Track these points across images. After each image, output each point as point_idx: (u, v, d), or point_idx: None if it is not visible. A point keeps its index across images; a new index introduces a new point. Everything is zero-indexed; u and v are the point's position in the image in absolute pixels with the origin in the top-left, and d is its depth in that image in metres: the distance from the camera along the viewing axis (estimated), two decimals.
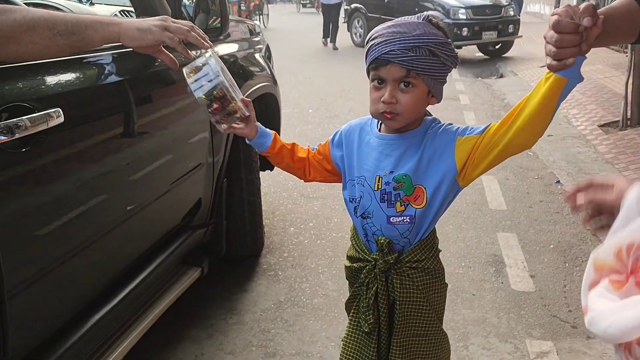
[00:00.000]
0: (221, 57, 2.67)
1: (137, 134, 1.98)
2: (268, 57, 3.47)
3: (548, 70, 1.16)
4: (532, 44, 11.38)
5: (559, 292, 2.81)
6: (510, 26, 10.47)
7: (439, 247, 1.48)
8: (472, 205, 3.85)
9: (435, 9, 10.52)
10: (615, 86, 6.77)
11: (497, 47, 10.81)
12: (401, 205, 1.37)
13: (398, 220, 1.37)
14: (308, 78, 8.76)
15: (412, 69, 1.28)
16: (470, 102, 7.09)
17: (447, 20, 9.74)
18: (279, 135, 3.37)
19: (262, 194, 3.06)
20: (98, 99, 1.79)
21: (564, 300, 2.74)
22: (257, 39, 3.38)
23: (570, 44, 1.06)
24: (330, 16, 12.71)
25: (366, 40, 1.36)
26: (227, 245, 2.74)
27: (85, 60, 1.82)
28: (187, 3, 2.28)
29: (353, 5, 12.82)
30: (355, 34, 12.80)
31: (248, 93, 2.78)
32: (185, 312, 2.61)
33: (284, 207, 3.87)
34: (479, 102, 7.09)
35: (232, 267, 3.00)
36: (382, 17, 11.76)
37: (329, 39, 12.82)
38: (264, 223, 3.15)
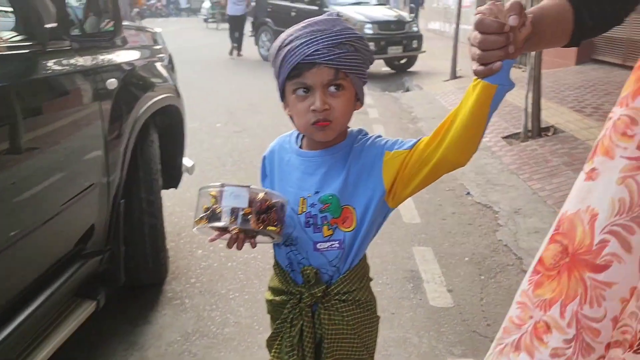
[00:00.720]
0: (118, 65, 2.44)
1: (24, 150, 1.72)
2: (171, 67, 3.25)
3: (475, 77, 1.04)
4: (435, 59, 11.73)
5: (477, 306, 2.76)
6: (414, 41, 10.74)
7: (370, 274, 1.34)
8: (387, 219, 3.78)
9: None
10: (514, 100, 7.04)
11: (402, 61, 11.05)
12: (329, 229, 1.21)
13: (326, 247, 1.22)
14: (216, 92, 8.51)
15: (341, 68, 1.14)
16: (379, 115, 7.13)
17: None
18: (183, 149, 3.16)
19: (165, 214, 2.82)
20: None
21: (482, 314, 2.69)
22: (158, 47, 3.15)
23: (496, 46, 0.94)
24: (236, 26, 13.30)
25: (277, 48, 1.19)
26: (126, 274, 2.47)
27: None
28: (76, 4, 2.03)
29: (260, 19, 12.71)
30: (263, 47, 12.67)
31: (149, 105, 2.55)
32: (81, 348, 2.32)
33: (191, 227, 3.62)
34: (388, 116, 7.15)
35: (134, 297, 2.73)
36: None
37: (235, 48, 13.39)
38: (168, 247, 2.90)
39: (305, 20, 1.21)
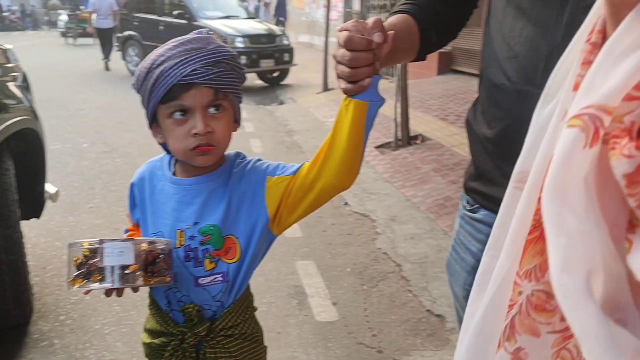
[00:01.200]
0: None
1: None
2: (26, 87, 2.98)
3: (345, 97, 1.04)
4: (307, 71, 11.94)
5: (361, 317, 2.80)
6: (286, 54, 10.85)
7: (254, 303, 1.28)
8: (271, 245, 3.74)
9: None
10: (384, 110, 7.28)
11: (275, 75, 11.11)
12: (211, 262, 1.14)
13: (208, 281, 1.14)
14: (81, 110, 8.00)
15: (221, 88, 1.08)
16: (255, 129, 7.09)
17: None
18: (44, 175, 2.91)
19: (28, 246, 2.58)
20: None
21: (366, 324, 2.73)
22: (10, 65, 2.88)
23: (365, 63, 0.95)
24: (105, 39, 12.98)
25: (146, 70, 1.10)
26: None
27: None
28: None
29: (126, 33, 12.19)
30: (131, 62, 12.16)
31: (1, 129, 2.32)
32: None
33: (58, 259, 3.34)
34: (264, 129, 7.13)
35: None
36: (159, 44, 11.36)
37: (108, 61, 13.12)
38: (32, 282, 2.65)
39: (175, 39, 1.14)
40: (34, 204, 2.87)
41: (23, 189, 2.61)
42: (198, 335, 1.15)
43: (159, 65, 1.08)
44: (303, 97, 9.31)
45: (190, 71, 1.06)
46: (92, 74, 12.25)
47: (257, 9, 17.46)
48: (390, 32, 0.96)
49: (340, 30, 0.96)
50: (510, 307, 0.64)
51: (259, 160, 1.21)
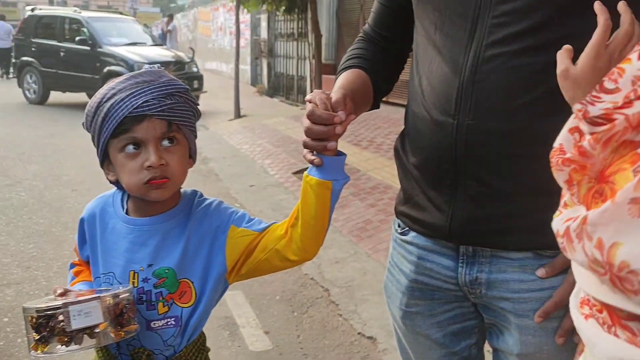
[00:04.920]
0: None
1: None
2: None
3: (306, 174, 1.06)
4: (217, 98, 11.88)
5: (295, 344, 2.81)
6: (195, 82, 10.75)
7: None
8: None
9: (117, 64, 10.21)
10: (298, 136, 7.42)
11: None
12: (164, 306, 1.11)
13: (161, 325, 1.11)
14: None
15: (174, 120, 1.08)
16: None
17: None
18: None
19: None
20: None
21: (300, 351, 2.74)
22: None
23: (324, 136, 0.99)
24: (4, 58, 14.81)
25: (96, 105, 1.08)
26: None
27: None
28: None
29: (24, 59, 11.58)
30: (29, 90, 11.54)
31: None
32: None
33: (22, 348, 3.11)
34: None
35: None
36: (60, 71, 10.95)
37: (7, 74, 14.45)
38: None
39: (126, 74, 1.13)
40: None
41: None
42: None
43: (110, 98, 1.07)
44: (215, 124, 9.24)
45: (142, 102, 1.05)
46: None
47: (161, 35, 17.20)
48: (351, 115, 1.01)
49: (307, 100, 1.00)
50: None
51: (222, 202, 1.20)
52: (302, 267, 3.69)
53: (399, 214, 1.18)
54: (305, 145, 1.02)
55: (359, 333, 2.89)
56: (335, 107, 0.99)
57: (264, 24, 13.60)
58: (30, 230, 4.30)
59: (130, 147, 1.07)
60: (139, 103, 1.05)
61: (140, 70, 1.13)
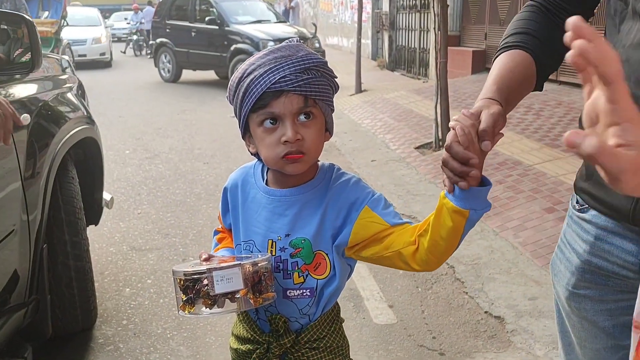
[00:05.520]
0: (26, 100, 2.25)
1: None
2: (82, 95, 3.05)
3: (443, 194, 1.00)
4: (338, 73, 11.78)
5: (419, 320, 2.78)
6: None
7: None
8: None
9: (243, 42, 10.55)
10: (420, 110, 7.29)
11: None
12: (299, 276, 1.13)
13: (296, 294, 1.14)
14: (120, 117, 8.14)
15: (310, 95, 1.07)
16: None
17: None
18: (102, 182, 2.96)
19: None
20: None
21: (425, 327, 2.72)
22: (65, 76, 2.94)
23: (456, 172, 0.91)
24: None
25: (237, 80, 1.11)
26: (53, 323, 2.27)
27: None
28: None
29: (159, 40, 12.35)
30: (164, 69, 12.32)
31: (66, 139, 2.37)
32: None
33: (114, 265, 3.41)
34: None
35: (61, 346, 2.50)
36: (191, 51, 11.54)
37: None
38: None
39: (266, 49, 1.14)
40: (93, 211, 2.92)
41: (84, 197, 2.66)
42: (283, 346, 1.15)
43: (249, 74, 1.09)
44: (336, 99, 9.19)
45: (279, 78, 1.06)
46: (128, 83, 12.44)
47: (285, 12, 17.56)
48: (498, 136, 0.93)
49: (451, 126, 0.93)
50: None
51: (360, 180, 1.18)
52: None
53: (578, 190, 1.09)
54: (444, 163, 0.94)
55: (485, 312, 2.81)
56: (482, 137, 0.91)
57: None
58: (168, 200, 4.61)
59: (268, 122, 1.08)
60: (277, 79, 1.06)
61: (279, 45, 1.14)
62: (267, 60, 1.09)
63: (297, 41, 1.18)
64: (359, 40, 9.55)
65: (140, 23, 18.79)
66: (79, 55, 14.57)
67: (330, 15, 19.90)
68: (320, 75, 1.11)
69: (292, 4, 18.22)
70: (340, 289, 1.18)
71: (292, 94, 1.07)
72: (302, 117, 1.09)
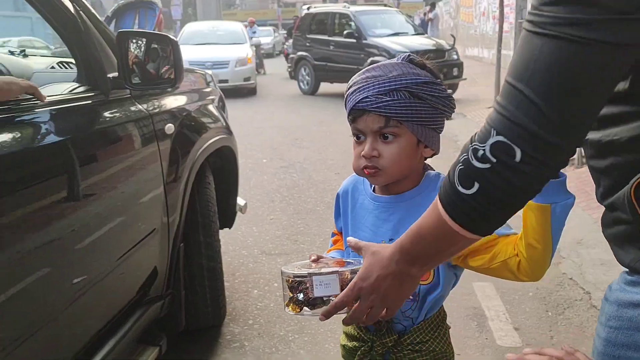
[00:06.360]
0: (174, 111, 2.47)
1: (82, 197, 1.73)
2: (222, 107, 3.27)
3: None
4: (476, 86, 11.64)
5: (547, 346, 2.62)
6: (455, 69, 10.69)
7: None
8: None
9: (380, 54, 10.64)
10: None
11: None
12: None
13: None
14: (259, 128, 8.58)
15: (392, 117, 1.11)
16: None
17: None
18: (237, 188, 3.15)
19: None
20: (35, 161, 1.55)
21: None
22: (209, 89, 3.18)
23: None
24: None
25: (345, 93, 1.21)
26: (185, 317, 2.46)
27: (18, 119, 1.58)
28: (137, 53, 2.06)
29: (299, 54, 12.86)
30: (302, 82, 12.80)
31: (204, 147, 2.56)
32: None
33: (245, 267, 3.60)
34: None
35: (192, 340, 2.69)
36: (329, 64, 11.87)
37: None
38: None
39: (365, 67, 1.22)
40: (227, 215, 3.11)
41: (219, 201, 2.85)
42: (385, 346, 1.20)
43: (348, 89, 1.19)
44: (473, 111, 9.07)
45: (362, 98, 1.13)
46: (267, 95, 13.07)
47: (422, 24, 17.45)
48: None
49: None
50: None
51: None
52: (559, 265, 3.43)
53: None
54: None
55: None
56: None
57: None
58: (299, 207, 4.78)
59: (357, 136, 1.18)
60: (360, 99, 1.13)
61: (375, 64, 1.19)
62: (359, 79, 1.17)
63: (409, 56, 1.20)
64: (498, 51, 9.24)
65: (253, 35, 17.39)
66: (220, 81, 10.82)
67: (471, 26, 19.45)
68: (412, 97, 1.12)
69: (431, 15, 18.09)
70: (444, 296, 1.21)
71: (373, 113, 1.13)
72: (383, 135, 1.15)
